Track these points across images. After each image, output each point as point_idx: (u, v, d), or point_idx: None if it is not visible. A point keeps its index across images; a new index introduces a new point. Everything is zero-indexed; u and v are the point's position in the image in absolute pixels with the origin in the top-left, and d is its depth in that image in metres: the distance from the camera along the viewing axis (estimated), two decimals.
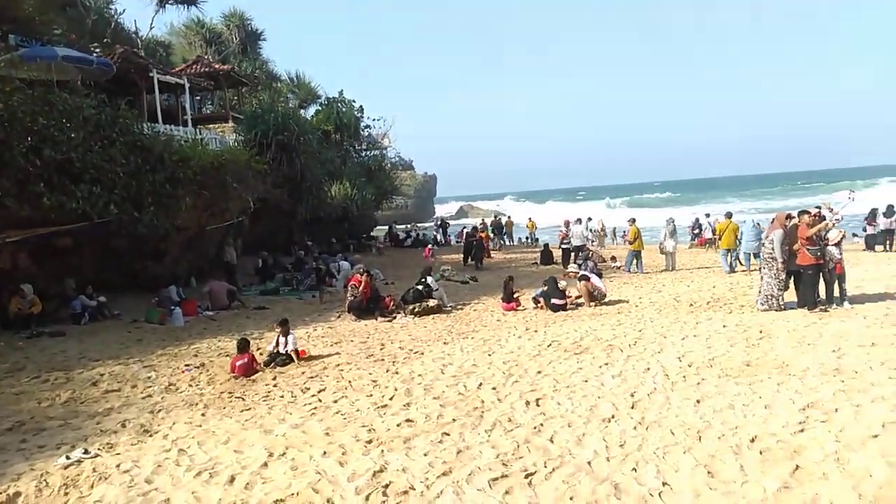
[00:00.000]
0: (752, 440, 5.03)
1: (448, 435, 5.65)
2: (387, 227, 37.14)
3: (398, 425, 6.03)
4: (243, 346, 8.89)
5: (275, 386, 8.02)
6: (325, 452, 5.43)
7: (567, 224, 21.76)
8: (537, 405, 6.39)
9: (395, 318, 12.73)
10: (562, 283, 13.38)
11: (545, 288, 12.94)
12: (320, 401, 7.13)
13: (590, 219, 29.45)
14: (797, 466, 4.50)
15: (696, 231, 29.52)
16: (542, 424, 5.79)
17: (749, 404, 5.91)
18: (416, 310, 12.93)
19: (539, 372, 7.67)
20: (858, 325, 9.01)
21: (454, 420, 6.06)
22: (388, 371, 8.26)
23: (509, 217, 34.95)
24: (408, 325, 12.07)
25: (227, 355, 9.56)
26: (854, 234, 24.83)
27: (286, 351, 9.23)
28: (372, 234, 35.56)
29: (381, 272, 19.09)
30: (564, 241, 20.72)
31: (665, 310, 11.75)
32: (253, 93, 26.77)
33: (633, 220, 20.03)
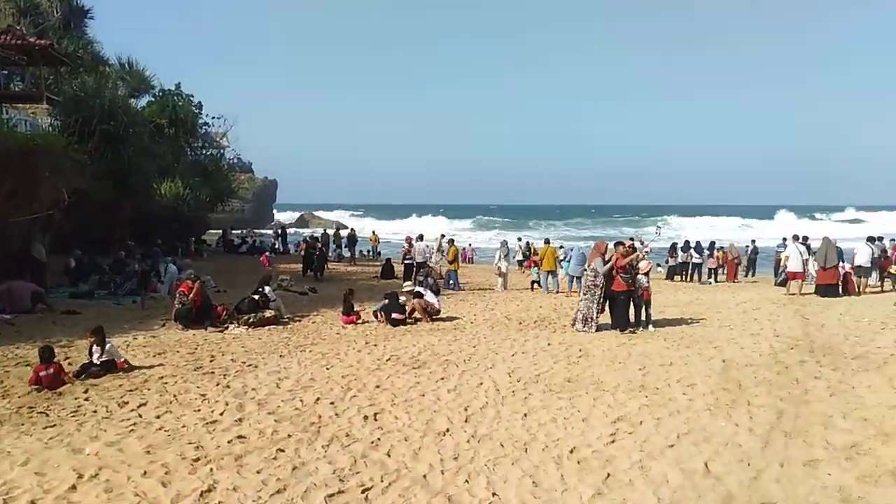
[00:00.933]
0: (572, 451, 5.49)
1: (283, 451, 5.50)
2: (221, 232, 35.24)
3: (229, 442, 5.74)
4: (47, 354, 7.90)
5: (86, 400, 7.24)
6: (145, 472, 5.02)
7: (409, 240, 22.17)
8: (375, 420, 6.43)
9: (227, 328, 12.09)
10: (402, 298, 13.59)
11: (386, 302, 13.06)
12: (140, 416, 6.57)
13: (443, 236, 30.35)
14: (608, 474, 4.99)
15: (527, 253, 31.50)
16: (379, 439, 5.84)
17: (569, 417, 6.44)
18: (251, 320, 12.40)
19: (378, 386, 7.72)
20: (660, 346, 10.18)
21: (290, 436, 5.90)
22: (218, 385, 7.83)
23: (352, 229, 34.72)
24: (241, 336, 11.53)
25: (28, 365, 8.48)
26: (658, 265, 27.98)
27: (100, 361, 8.39)
28: (204, 237, 33.54)
29: (213, 279, 18.05)
30: (407, 257, 21.07)
31: (497, 327, 12.39)
32: (74, 74, 24.16)
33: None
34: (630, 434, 5.92)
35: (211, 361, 9.21)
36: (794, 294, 17.26)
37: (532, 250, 31.60)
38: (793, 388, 7.40)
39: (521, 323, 12.97)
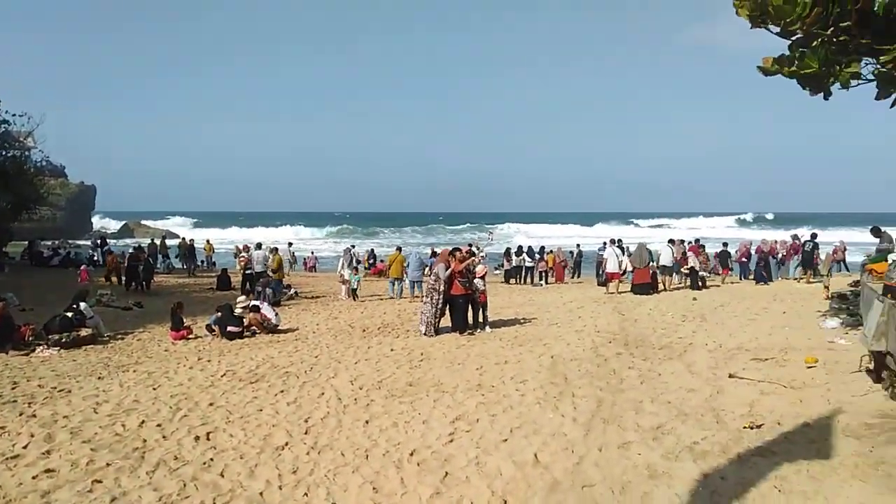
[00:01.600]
0: (412, 453, 5.59)
1: (100, 482, 5.01)
2: (27, 243, 31.29)
3: (34, 478, 5.12)
4: None
5: None
6: None
7: (247, 248, 21.24)
8: (208, 439, 6.09)
9: (33, 350, 10.75)
10: (237, 310, 12.97)
11: (220, 314, 12.41)
12: None
13: (290, 244, 29.41)
14: (447, 473, 5.15)
15: (371, 261, 31.56)
16: (212, 459, 5.53)
17: (410, 421, 6.55)
18: (64, 340, 11.15)
19: (211, 404, 7.31)
20: (496, 346, 10.71)
21: (108, 465, 5.39)
22: (21, 415, 6.94)
23: (190, 239, 32.14)
24: (51, 358, 10.32)
25: None
26: (495, 269, 29.36)
27: None
28: (6, 249, 29.58)
29: (16, 296, 15.97)
30: (247, 267, 20.12)
31: (341, 335, 12.28)
32: None
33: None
34: (467, 432, 6.16)
35: (13, 389, 8.14)
36: (612, 293, 19.01)
37: (376, 258, 31.85)
38: (610, 379, 8.14)
39: (364, 330, 12.97)
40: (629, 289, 19.29)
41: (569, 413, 6.68)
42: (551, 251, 26.90)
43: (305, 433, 6.22)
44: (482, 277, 12.48)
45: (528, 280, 26.00)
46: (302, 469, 5.29)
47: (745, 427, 5.95)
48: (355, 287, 19.19)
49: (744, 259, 24.38)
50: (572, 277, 27.35)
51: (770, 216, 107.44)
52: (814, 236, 21.66)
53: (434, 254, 20.32)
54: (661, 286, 19.95)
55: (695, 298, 17.24)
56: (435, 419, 6.60)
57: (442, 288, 11.99)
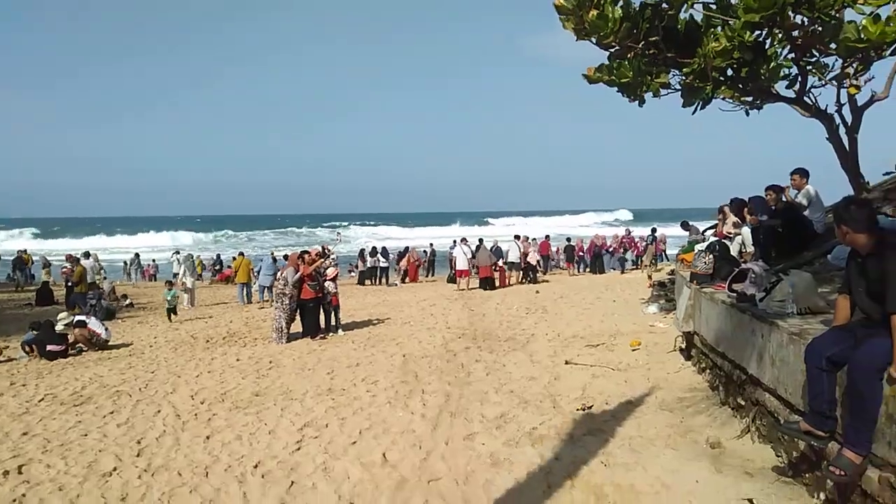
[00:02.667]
0: (256, 466, 5.38)
1: None
2: None
3: None
4: None
5: None
6: None
7: (72, 259, 19.23)
8: (20, 473, 5.44)
9: None
10: (59, 326, 11.71)
11: (36, 332, 11.13)
12: None
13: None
14: (293, 482, 5.02)
15: (218, 267, 29.98)
16: (24, 495, 4.95)
17: (255, 432, 6.30)
18: None
19: (25, 433, 6.55)
20: (348, 348, 10.62)
21: None
22: None
23: (23, 251, 27.80)
24: None
25: None
26: (349, 271, 29.17)
27: None
28: None
29: None
30: (75, 280, 18.06)
31: (181, 348, 11.52)
32: None
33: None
34: (315, 438, 6.05)
35: None
36: (463, 289, 19.63)
37: (223, 264, 30.28)
38: (459, 373, 8.40)
39: (208, 341, 12.26)
40: (479, 285, 20.05)
41: (418, 410, 6.80)
42: (406, 249, 27.24)
43: (137, 455, 5.76)
44: (333, 280, 12.32)
45: (384, 281, 26.09)
46: (132, 494, 4.89)
47: (577, 409, 6.41)
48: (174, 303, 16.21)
49: (580, 253, 26.32)
50: (426, 276, 27.85)
51: (629, 214, 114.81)
52: (653, 230, 24.02)
53: (286, 257, 19.75)
54: (508, 281, 20.95)
55: (537, 291, 18.29)
56: (282, 428, 6.41)
57: (292, 292, 11.67)
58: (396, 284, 25.09)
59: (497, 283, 20.12)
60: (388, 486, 4.86)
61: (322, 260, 12.25)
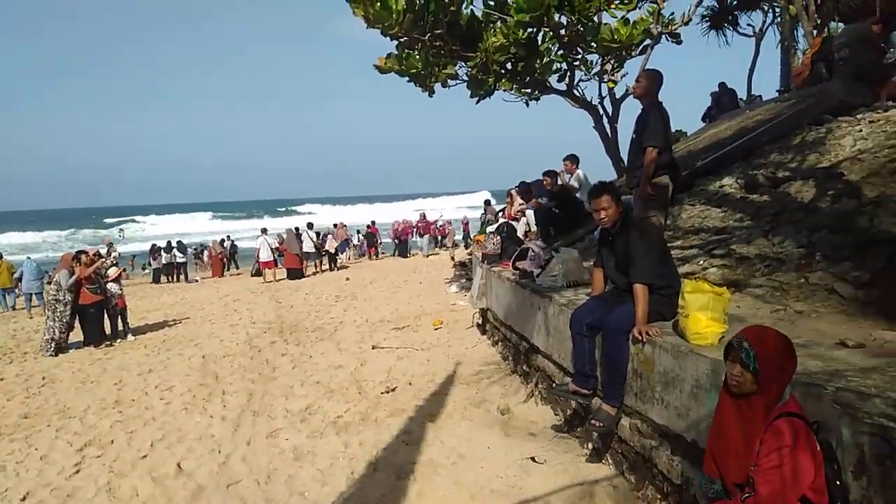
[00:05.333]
0: (24, 498, 4.76)
1: None
2: None
3: None
4: None
5: None
6: None
7: None
8: None
9: None
10: None
11: None
12: None
13: None
14: None
15: None
16: None
17: (24, 460, 5.56)
18: None
19: None
20: (139, 354, 9.76)
21: None
22: None
23: None
24: None
25: None
26: (143, 268, 26.75)
27: None
28: None
29: None
30: None
31: None
32: None
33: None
34: (98, 457, 5.49)
35: None
36: (269, 281, 18.99)
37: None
38: (263, 369, 8.14)
39: None
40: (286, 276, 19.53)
41: (218, 412, 6.48)
42: (208, 244, 25.60)
43: None
44: (117, 280, 11.19)
45: (182, 277, 24.29)
46: None
47: (382, 393, 6.57)
48: None
49: (382, 238, 26.82)
50: (228, 270, 26.43)
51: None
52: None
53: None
54: (310, 270, 20.70)
55: (347, 279, 18.31)
56: (57, 451, 5.72)
57: (67, 298, 10.39)
58: (197, 280, 23.50)
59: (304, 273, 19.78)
60: (183, 497, 4.59)
61: (102, 260, 11.06)
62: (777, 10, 14.43)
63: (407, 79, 8.81)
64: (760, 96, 15.69)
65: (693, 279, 4.25)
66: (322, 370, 7.82)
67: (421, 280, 16.07)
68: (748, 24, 16.53)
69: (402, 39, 7.99)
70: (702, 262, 5.26)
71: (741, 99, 15.53)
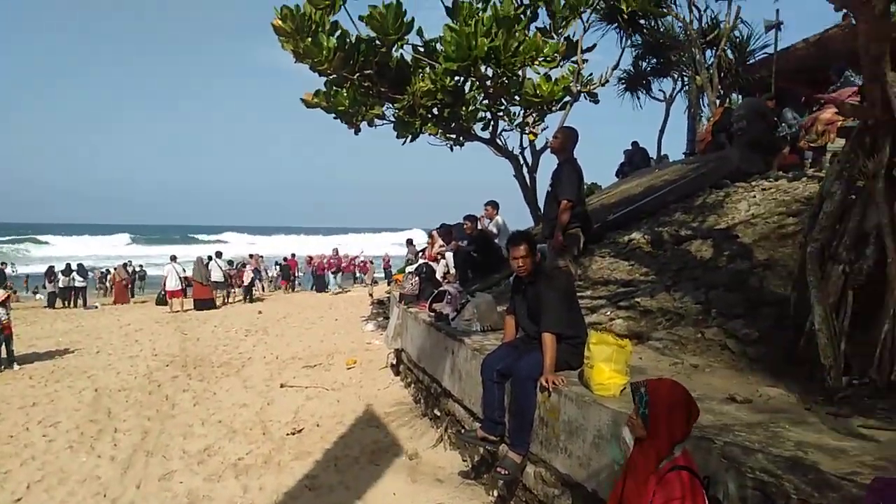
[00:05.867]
0: None
1: None
2: None
3: None
4: None
5: None
6: None
7: None
8: None
9: None
10: None
11: None
12: None
13: None
14: None
15: None
16: None
17: None
18: None
19: None
20: (23, 386, 9.01)
21: None
22: None
23: None
24: None
25: None
26: (35, 292, 24.98)
27: None
28: None
29: None
30: None
31: None
32: None
33: None
34: None
35: None
36: (177, 311, 18.11)
37: None
38: (162, 406, 7.70)
39: None
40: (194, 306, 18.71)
41: (107, 452, 6.05)
42: (111, 270, 24.21)
43: None
44: (3, 304, 10.35)
45: (80, 302, 22.77)
46: None
47: (288, 434, 6.35)
48: None
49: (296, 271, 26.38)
50: (132, 297, 25.06)
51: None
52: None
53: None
54: (218, 300, 19.99)
55: (260, 312, 17.74)
56: None
57: None
58: (96, 307, 22.10)
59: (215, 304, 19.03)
60: None
61: None
62: (686, 79, 15.54)
63: (333, 115, 8.81)
64: (668, 157, 16.71)
65: (599, 330, 4.43)
66: (226, 408, 7.48)
67: (337, 317, 15.79)
68: (660, 90, 17.65)
69: (330, 76, 8.02)
70: (609, 313, 5.47)
71: (651, 158, 16.49)
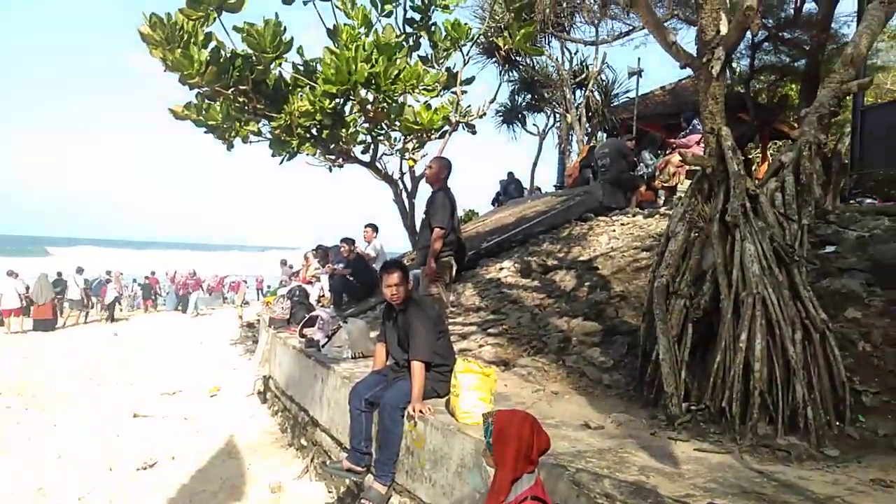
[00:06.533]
0: None
1: None
2: None
3: None
4: None
5: None
6: None
7: None
8: None
9: None
10: None
11: None
12: None
13: None
14: None
15: None
16: None
17: None
18: None
19: None
20: None
21: None
22: None
23: None
24: None
25: None
26: None
27: None
28: None
29: None
30: None
31: None
32: None
33: None
34: None
35: None
36: (15, 332, 16.28)
37: None
38: None
39: None
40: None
41: None
42: None
43: None
44: None
45: None
46: None
47: (139, 469, 5.87)
48: None
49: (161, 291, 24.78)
50: None
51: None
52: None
53: None
54: (71, 320, 18.32)
55: (116, 333, 16.40)
56: None
57: None
58: None
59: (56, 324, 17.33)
60: None
61: None
62: (558, 116, 16.51)
63: (205, 129, 8.43)
64: (540, 188, 17.58)
65: (468, 357, 4.52)
66: (67, 442, 6.79)
67: (202, 340, 14.94)
68: (534, 125, 18.63)
69: (202, 90, 7.69)
70: (478, 340, 5.60)
71: (525, 189, 17.27)
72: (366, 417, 4.19)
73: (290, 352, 6.66)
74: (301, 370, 6.12)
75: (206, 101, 8.23)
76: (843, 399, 3.33)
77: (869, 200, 11.32)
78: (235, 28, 7.01)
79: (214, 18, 6.97)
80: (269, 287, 14.63)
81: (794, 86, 13.61)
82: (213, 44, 7.21)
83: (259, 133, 9.26)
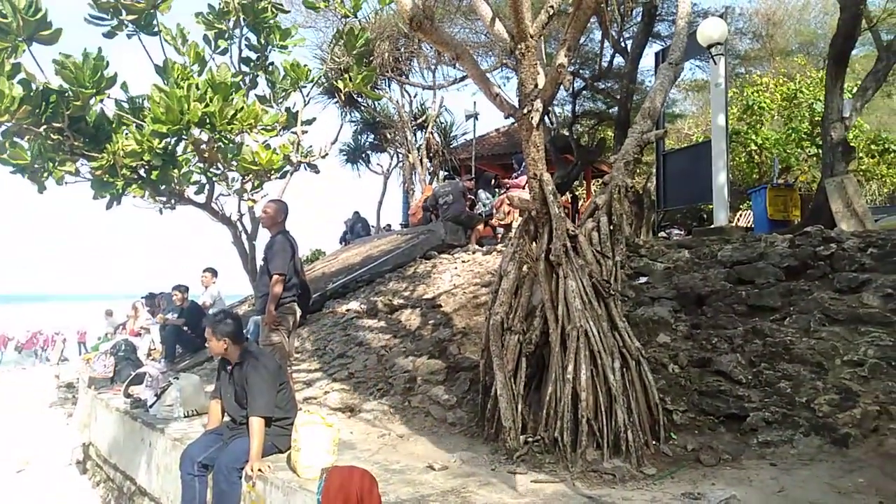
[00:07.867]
0: None
1: None
2: None
3: None
4: None
5: None
6: None
7: None
8: None
9: None
10: None
11: None
12: None
13: None
14: None
15: None
16: None
17: None
18: None
19: None
20: None
21: None
22: None
23: None
24: None
25: None
26: None
27: None
28: None
29: None
30: None
31: None
32: None
33: None
34: None
35: None
36: None
37: None
38: None
39: None
40: None
41: None
42: None
43: None
44: None
45: None
46: None
47: None
48: None
49: None
50: None
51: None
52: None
53: None
54: None
55: None
56: None
57: None
58: None
59: None
60: None
61: None
62: (400, 155, 16.88)
63: (12, 170, 7.53)
64: (389, 225, 17.76)
65: (312, 405, 4.39)
66: None
67: (9, 403, 13.08)
68: (378, 164, 18.87)
69: (10, 127, 6.89)
70: (324, 387, 5.47)
71: (372, 227, 17.35)
72: (199, 482, 3.88)
73: (113, 415, 6.02)
74: (126, 434, 5.56)
75: (13, 138, 7.38)
76: (657, 420, 3.67)
77: (676, 231, 12.83)
78: (54, 61, 6.41)
79: (24, 51, 6.32)
80: (98, 339, 13.20)
81: (609, 130, 15.13)
82: (20, 74, 6.52)
83: (77, 173, 8.45)
